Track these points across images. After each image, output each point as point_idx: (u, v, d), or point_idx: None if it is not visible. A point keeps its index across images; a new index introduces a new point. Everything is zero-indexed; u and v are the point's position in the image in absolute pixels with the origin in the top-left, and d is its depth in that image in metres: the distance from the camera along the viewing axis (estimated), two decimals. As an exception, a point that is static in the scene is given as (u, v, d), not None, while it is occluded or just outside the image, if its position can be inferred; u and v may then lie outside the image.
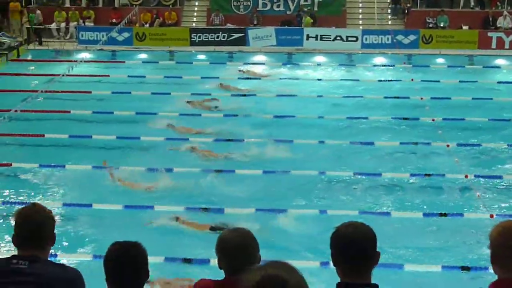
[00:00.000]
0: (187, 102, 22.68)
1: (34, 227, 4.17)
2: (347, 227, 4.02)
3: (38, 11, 32.86)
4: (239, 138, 19.13)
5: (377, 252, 4.00)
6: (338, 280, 4.01)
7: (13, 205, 14.79)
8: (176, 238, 13.48)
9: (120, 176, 16.29)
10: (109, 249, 3.98)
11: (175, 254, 12.36)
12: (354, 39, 31.50)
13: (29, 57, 30.57)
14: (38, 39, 32.02)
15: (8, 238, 13.40)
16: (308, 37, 31.37)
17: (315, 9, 33.96)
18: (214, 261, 4.41)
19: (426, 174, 16.69)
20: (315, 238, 13.10)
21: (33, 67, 28.48)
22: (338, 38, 31.39)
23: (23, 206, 4.28)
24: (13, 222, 4.23)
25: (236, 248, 4.18)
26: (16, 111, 20.36)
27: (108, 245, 4.09)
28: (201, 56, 30.77)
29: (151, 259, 4.13)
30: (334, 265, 4.02)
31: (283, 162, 17.46)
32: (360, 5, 35.14)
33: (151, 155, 18.29)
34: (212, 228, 13.62)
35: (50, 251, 4.37)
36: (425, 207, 15.10)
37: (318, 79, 26.90)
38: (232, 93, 24.20)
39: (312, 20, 32.87)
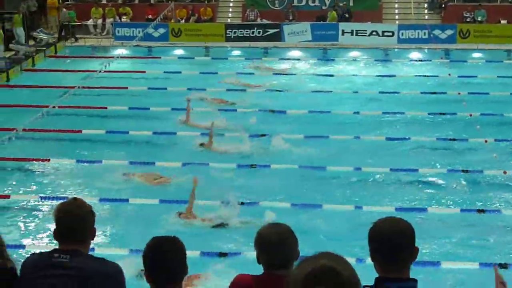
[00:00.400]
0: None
1: (75, 222, 4.22)
2: (386, 222, 4.00)
3: (64, 10, 33.09)
4: (274, 133, 19.09)
5: (415, 248, 3.97)
6: (374, 276, 3.99)
7: (51, 200, 14.99)
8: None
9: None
10: (147, 244, 4.01)
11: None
12: (390, 34, 31.28)
13: (66, 53, 30.86)
14: (68, 36, 32.30)
15: (48, 232, 13.59)
16: (343, 32, 31.21)
17: (351, 4, 33.83)
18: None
19: (463, 170, 16.52)
20: (351, 234, 13.04)
21: (70, 63, 28.72)
22: (374, 33, 31.19)
23: (64, 201, 4.33)
24: (53, 217, 4.27)
25: (275, 243, 4.18)
26: (54, 107, 20.60)
27: (145, 240, 4.12)
28: (236, 52, 30.80)
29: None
30: (372, 260, 3.99)
31: (318, 157, 17.41)
32: (396, -1, 34.96)
33: (187, 151, 18.34)
34: (214, 226, 13.79)
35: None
36: (462, 203, 14.95)
37: (354, 75, 26.79)
38: (267, 89, 24.19)
39: (336, 15, 32.76)
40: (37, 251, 4.64)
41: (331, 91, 23.75)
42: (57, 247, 4.27)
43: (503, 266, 11.73)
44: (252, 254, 4.46)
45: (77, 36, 32.65)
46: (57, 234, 4.27)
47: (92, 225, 4.35)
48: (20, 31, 30.02)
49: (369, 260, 4.10)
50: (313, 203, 14.73)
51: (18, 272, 4.31)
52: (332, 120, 20.81)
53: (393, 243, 3.90)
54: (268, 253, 4.22)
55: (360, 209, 14.26)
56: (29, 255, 4.39)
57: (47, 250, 4.33)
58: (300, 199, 14.97)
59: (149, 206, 14.65)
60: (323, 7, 33.80)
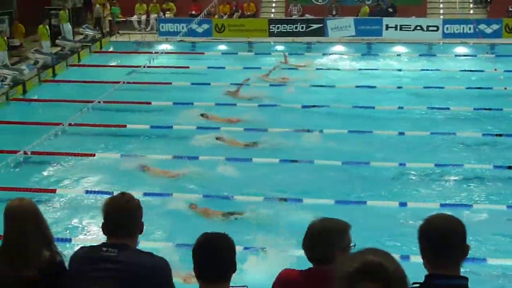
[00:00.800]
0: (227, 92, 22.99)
1: (123, 216, 4.26)
2: (437, 218, 3.96)
3: (98, 5, 33.38)
4: (318, 129, 19.03)
5: (466, 245, 3.93)
6: (420, 274, 3.95)
7: (96, 194, 15.18)
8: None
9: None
10: (197, 240, 4.01)
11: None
12: (435, 28, 30.96)
13: (111, 49, 31.16)
14: (107, 31, 32.65)
15: (93, 226, 13.76)
16: (387, 27, 30.98)
17: (395, -2, 33.55)
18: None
19: (509, 167, 16.30)
20: (395, 231, 13.00)
21: (114, 58, 28.98)
22: (418, 28, 30.91)
23: (112, 195, 4.37)
24: (102, 211, 4.32)
25: (321, 235, 4.17)
26: (99, 102, 20.81)
27: (190, 234, 4.14)
28: (280, 47, 30.74)
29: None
30: (422, 256, 3.95)
31: (362, 153, 17.32)
32: (441, -6, 34.55)
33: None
34: (225, 215, 13.97)
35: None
36: (508, 199, 14.75)
37: (398, 70, 26.58)
38: (312, 84, 24.12)
39: (368, 10, 32.58)
40: (83, 244, 4.68)
41: (375, 86, 23.60)
42: (104, 241, 4.32)
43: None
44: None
45: (122, 31, 32.93)
46: (105, 228, 4.31)
47: (140, 219, 4.38)
48: (66, 27, 30.43)
49: (414, 258, 4.07)
50: (356, 200, 14.67)
51: (67, 265, 4.37)
52: (376, 115, 20.68)
53: (444, 240, 3.85)
54: (313, 247, 4.22)
55: (404, 206, 14.15)
56: (77, 249, 4.44)
57: (95, 244, 4.38)
58: (344, 195, 14.92)
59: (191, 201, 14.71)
60: (367, 2, 33.57)
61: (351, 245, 4.20)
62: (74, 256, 4.35)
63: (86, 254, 4.30)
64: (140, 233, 4.40)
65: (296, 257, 10.00)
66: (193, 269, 3.98)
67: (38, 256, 4.22)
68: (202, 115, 20.43)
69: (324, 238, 4.17)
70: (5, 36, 26.49)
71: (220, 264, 3.95)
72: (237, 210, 14.14)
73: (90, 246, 4.43)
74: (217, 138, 18.43)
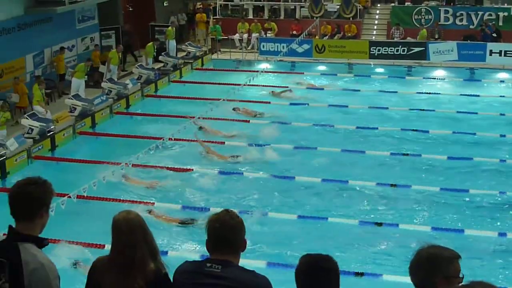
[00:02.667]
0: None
1: (227, 233, 4.31)
2: None
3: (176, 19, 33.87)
4: (416, 153, 18.88)
5: None
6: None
7: (191, 210, 15.55)
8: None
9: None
10: (300, 261, 4.01)
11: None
12: (541, 55, 30.09)
13: (212, 66, 31.63)
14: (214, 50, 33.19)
15: (189, 242, 14.02)
16: (491, 52, 30.27)
17: (500, 23, 32.75)
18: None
19: None
20: (495, 261, 12.71)
21: (215, 76, 29.34)
22: (524, 54, 30.10)
23: (216, 212, 4.42)
24: (206, 228, 4.35)
25: (427, 261, 4.09)
26: (199, 118, 21.12)
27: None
28: (380, 70, 30.51)
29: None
30: None
31: (461, 180, 17.07)
32: (549, 19, 33.55)
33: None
34: (182, 222, 14.93)
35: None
36: None
37: (501, 96, 25.93)
38: (410, 107, 23.84)
39: (426, 33, 32.04)
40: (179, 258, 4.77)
41: (476, 113, 23.11)
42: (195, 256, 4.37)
43: None
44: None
45: (223, 49, 33.42)
46: (209, 244, 4.37)
47: (243, 236, 4.41)
48: (171, 44, 31.11)
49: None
50: (453, 227, 14.45)
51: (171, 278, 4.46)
52: (477, 141, 20.27)
53: None
54: (416, 272, 4.14)
55: (504, 236, 13.83)
56: (182, 263, 4.52)
57: (199, 260, 4.46)
58: (442, 223, 14.74)
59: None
60: (471, 26, 32.95)
61: (459, 276, 4.10)
62: (179, 270, 4.42)
63: (191, 268, 4.37)
64: (243, 251, 4.43)
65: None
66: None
67: (144, 268, 4.32)
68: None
69: (428, 264, 4.10)
70: (118, 51, 27.36)
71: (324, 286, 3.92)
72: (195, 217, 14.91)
73: (194, 261, 4.51)
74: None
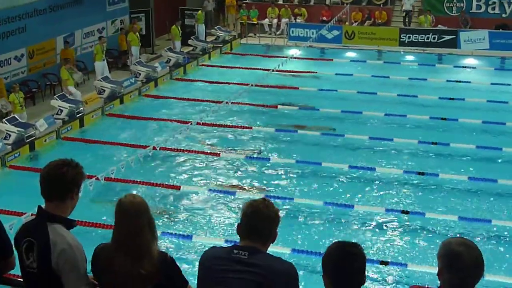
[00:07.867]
0: None
1: (261, 221, 4.29)
2: None
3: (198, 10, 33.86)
4: (445, 142, 18.76)
5: None
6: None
7: (218, 193, 15.65)
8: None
9: None
10: (329, 248, 3.99)
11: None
12: None
13: (241, 51, 31.56)
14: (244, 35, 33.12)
15: (215, 225, 14.07)
16: (524, 41, 29.92)
17: (534, 12, 32.39)
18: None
19: None
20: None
21: (244, 60, 29.30)
22: (556, 42, 29.69)
23: (254, 199, 4.40)
24: (241, 213, 4.36)
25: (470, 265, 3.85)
26: (227, 102, 21.10)
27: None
28: (410, 57, 30.23)
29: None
30: None
31: (489, 169, 16.94)
32: None
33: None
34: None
35: None
36: None
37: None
38: (440, 96, 23.60)
39: (430, 19, 31.64)
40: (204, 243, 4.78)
41: (506, 102, 22.83)
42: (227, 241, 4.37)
43: None
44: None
45: (252, 34, 33.33)
46: (241, 230, 4.35)
47: (276, 228, 4.37)
48: (201, 28, 31.15)
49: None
50: (482, 218, 14.37)
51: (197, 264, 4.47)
52: (507, 132, 20.06)
53: None
54: (461, 273, 3.90)
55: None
56: (208, 248, 4.53)
57: (227, 246, 4.46)
58: (469, 213, 14.68)
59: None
60: (503, 15, 32.55)
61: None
62: (207, 254, 4.43)
63: (218, 253, 4.37)
64: (273, 242, 4.39)
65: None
66: (323, 276, 3.93)
67: (150, 253, 4.33)
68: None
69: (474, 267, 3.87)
70: (137, 32, 27.20)
71: (351, 274, 3.85)
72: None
73: (221, 247, 4.52)
74: None
